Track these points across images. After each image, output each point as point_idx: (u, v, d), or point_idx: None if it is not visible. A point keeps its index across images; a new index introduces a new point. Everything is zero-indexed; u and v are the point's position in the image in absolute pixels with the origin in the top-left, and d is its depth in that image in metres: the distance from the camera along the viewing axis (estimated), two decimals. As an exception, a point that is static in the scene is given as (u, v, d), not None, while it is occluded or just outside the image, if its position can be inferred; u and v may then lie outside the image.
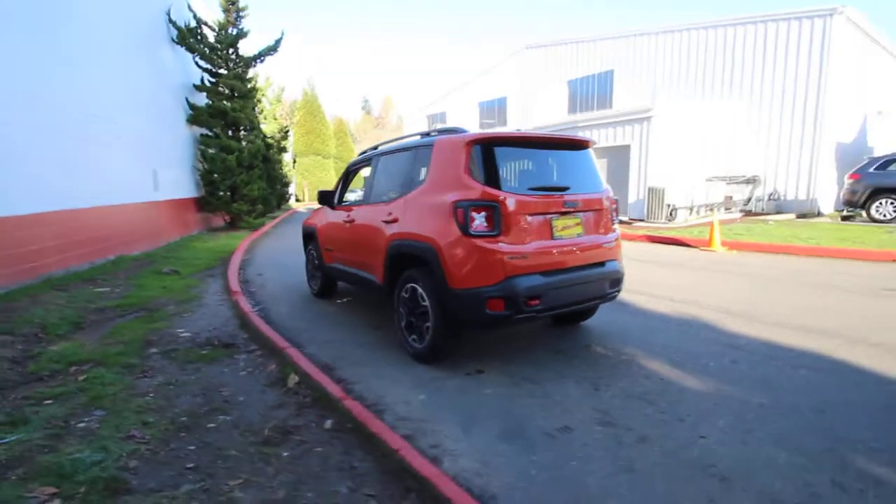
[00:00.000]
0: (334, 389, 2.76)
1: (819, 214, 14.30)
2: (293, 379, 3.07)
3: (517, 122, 22.62)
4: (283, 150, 15.66)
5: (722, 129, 14.89)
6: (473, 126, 25.43)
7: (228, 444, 2.33)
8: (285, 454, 2.24)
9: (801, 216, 14.06)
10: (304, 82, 41.89)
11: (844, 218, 12.69)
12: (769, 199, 15.34)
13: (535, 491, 1.99)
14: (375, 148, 4.62)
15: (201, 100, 11.91)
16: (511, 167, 3.23)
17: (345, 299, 5.56)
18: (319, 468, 2.12)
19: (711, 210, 13.81)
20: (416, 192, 3.50)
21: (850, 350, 3.50)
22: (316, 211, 5.92)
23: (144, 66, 9.37)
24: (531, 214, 3.15)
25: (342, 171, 5.54)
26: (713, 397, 2.85)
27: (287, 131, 18.83)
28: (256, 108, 14.34)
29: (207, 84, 11.96)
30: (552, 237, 3.25)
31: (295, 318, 4.76)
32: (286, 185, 17.74)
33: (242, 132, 12.77)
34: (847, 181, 12.13)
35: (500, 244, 3.03)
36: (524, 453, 2.29)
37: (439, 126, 3.86)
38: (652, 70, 17.46)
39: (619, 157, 14.71)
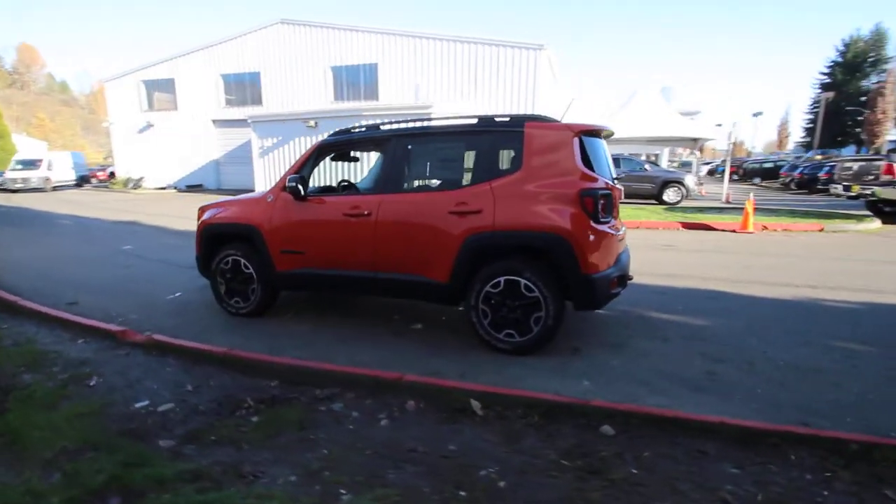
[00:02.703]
0: (563, 398, 2.50)
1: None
2: (476, 405, 2.53)
3: (276, 103, 20.73)
4: None
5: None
6: (217, 101, 21.80)
7: (564, 497, 1.90)
8: (634, 471, 2.02)
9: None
10: None
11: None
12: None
13: (778, 394, 2.54)
14: (376, 128, 3.87)
15: None
16: (592, 157, 3.46)
17: (290, 313, 4.43)
18: (690, 481, 2.05)
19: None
20: (512, 180, 3.29)
21: (733, 286, 5.33)
22: (233, 203, 4.39)
23: None
24: (615, 201, 3.53)
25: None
26: (722, 328, 3.98)
27: None
28: None
29: None
30: (619, 220, 3.72)
31: (279, 347, 3.56)
32: None
33: None
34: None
35: (614, 228, 3.32)
36: (724, 396, 2.77)
37: (507, 113, 3.59)
38: (412, 68, 19.14)
39: (402, 147, 15.72)
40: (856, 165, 10.54)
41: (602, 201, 3.20)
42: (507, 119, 3.49)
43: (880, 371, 3.12)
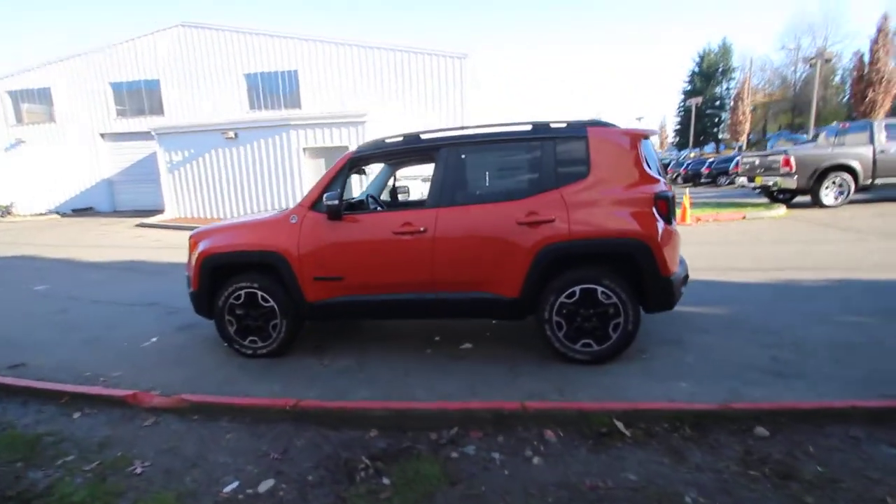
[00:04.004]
0: (705, 406, 2.46)
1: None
2: (620, 425, 2.38)
3: (180, 113, 18.69)
4: None
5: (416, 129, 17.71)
6: (107, 113, 19.10)
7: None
8: (820, 469, 2.02)
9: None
10: None
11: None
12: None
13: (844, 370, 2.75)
14: (416, 138, 3.54)
15: None
16: (649, 160, 3.48)
17: (309, 348, 3.93)
18: (873, 468, 2.10)
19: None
20: (582, 187, 3.20)
21: (716, 275, 5.78)
22: (241, 227, 3.78)
23: None
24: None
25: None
26: (743, 315, 4.26)
27: None
28: None
29: None
30: None
31: (339, 388, 3.12)
32: None
33: None
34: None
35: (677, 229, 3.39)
36: (804, 379, 2.94)
37: (565, 119, 3.42)
38: (337, 76, 18.43)
39: (337, 156, 14.98)
40: (756, 160, 12.15)
41: (669, 202, 3.26)
42: (564, 125, 3.41)
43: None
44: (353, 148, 16.09)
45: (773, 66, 50.99)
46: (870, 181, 10.74)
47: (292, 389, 3.14)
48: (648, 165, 3.29)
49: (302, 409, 2.65)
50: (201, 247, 3.75)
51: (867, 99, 24.69)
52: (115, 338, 4.37)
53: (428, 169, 3.74)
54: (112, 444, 2.50)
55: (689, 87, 54.78)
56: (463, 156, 3.43)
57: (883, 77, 24.06)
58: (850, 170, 10.71)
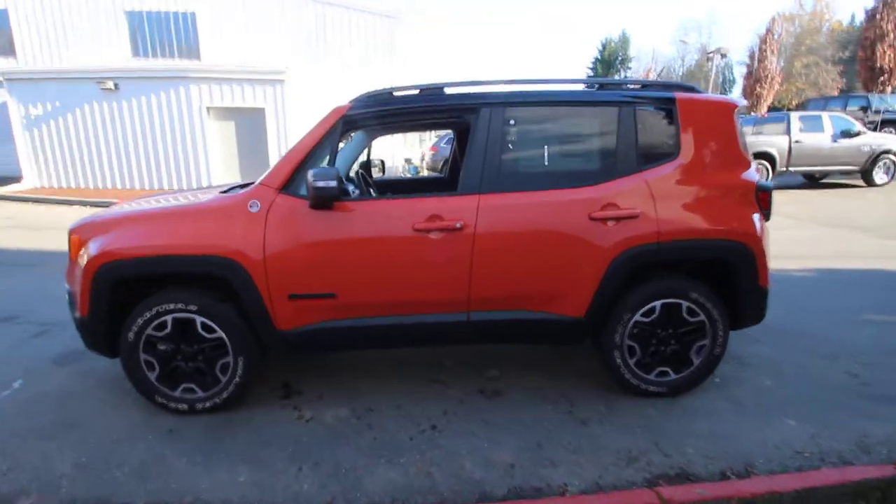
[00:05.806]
0: (883, 472, 1.82)
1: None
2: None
3: (39, 55, 14.86)
4: None
5: (344, 94, 15.85)
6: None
7: None
8: None
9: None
10: None
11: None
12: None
13: None
14: (439, 93, 2.45)
15: None
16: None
17: (276, 392, 2.77)
18: None
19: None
20: (672, 171, 2.40)
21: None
22: (163, 216, 2.44)
23: None
24: None
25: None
26: (774, 319, 3.89)
27: None
28: None
29: None
30: None
31: (350, 463, 2.06)
32: None
33: None
34: (429, 152, 16.25)
35: (765, 226, 2.76)
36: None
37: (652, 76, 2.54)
38: (244, 24, 15.80)
39: (250, 119, 12.90)
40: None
41: (771, 195, 2.60)
42: (640, 86, 2.57)
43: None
44: (269, 110, 13.96)
45: (665, 59, 55.18)
46: (784, 168, 11.57)
47: (270, 477, 2.02)
48: (744, 145, 2.58)
49: None
50: (94, 248, 2.35)
51: (754, 93, 27.33)
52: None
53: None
54: None
55: (591, 73, 57.47)
56: (511, 121, 2.43)
57: (768, 75, 26.69)
58: (768, 157, 11.42)
